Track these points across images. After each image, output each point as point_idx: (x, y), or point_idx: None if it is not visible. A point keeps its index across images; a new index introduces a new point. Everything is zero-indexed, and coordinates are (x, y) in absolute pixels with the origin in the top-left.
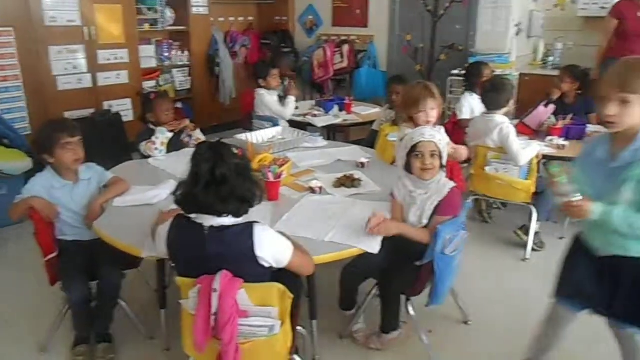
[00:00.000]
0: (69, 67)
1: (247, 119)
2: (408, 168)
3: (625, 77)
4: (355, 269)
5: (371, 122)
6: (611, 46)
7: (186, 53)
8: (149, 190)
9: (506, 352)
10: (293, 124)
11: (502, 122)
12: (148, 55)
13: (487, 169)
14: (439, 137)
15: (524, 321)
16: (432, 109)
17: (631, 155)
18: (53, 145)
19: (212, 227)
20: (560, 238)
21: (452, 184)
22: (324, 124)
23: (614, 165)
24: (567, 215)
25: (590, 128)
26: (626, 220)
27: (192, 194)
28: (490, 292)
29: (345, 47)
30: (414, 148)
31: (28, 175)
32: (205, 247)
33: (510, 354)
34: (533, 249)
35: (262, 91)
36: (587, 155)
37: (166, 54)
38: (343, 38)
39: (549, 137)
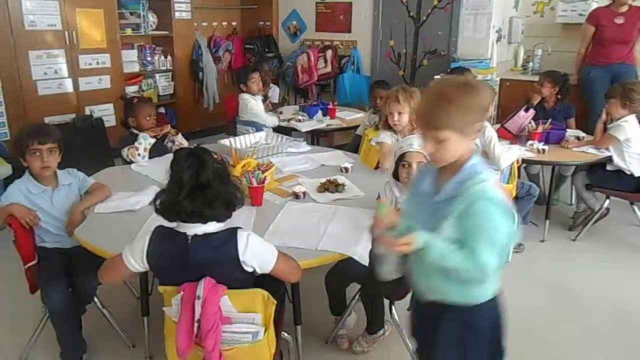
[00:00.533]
0: (49, 72)
1: (231, 124)
2: (396, 175)
3: (430, 113)
4: (339, 274)
5: (355, 127)
6: (589, 52)
7: (169, 58)
8: (132, 196)
9: None
10: (277, 129)
11: (484, 126)
12: (130, 60)
13: None
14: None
15: (506, 323)
16: (398, 113)
17: (454, 188)
18: (24, 151)
19: (195, 235)
20: (541, 241)
21: None
22: (308, 129)
23: (438, 199)
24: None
25: (569, 132)
26: (442, 252)
27: (176, 202)
28: None
29: (329, 52)
30: (402, 157)
31: (7, 181)
32: (189, 257)
33: None
34: (513, 251)
35: (246, 96)
36: (416, 187)
37: (149, 59)
38: (327, 43)
39: (530, 142)
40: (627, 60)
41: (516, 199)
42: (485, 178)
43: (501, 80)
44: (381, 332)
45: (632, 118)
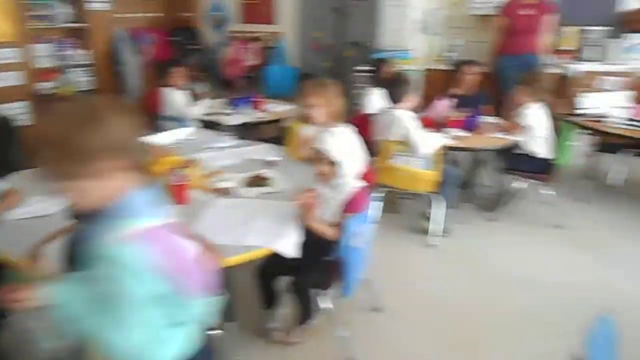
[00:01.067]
0: None
1: (152, 120)
2: None
3: (42, 162)
4: (267, 268)
5: (283, 119)
6: (502, 43)
7: (87, 51)
8: (45, 200)
9: (417, 335)
10: (203, 123)
11: (404, 115)
12: (44, 55)
13: (391, 161)
14: (332, 142)
15: (434, 304)
16: (309, 106)
17: (95, 236)
18: None
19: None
20: (463, 223)
21: (358, 183)
22: (235, 123)
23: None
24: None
25: (485, 119)
26: (74, 314)
27: None
28: (401, 279)
29: (256, 44)
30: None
31: None
32: None
33: (421, 337)
34: (439, 234)
35: (168, 90)
36: None
37: (64, 53)
38: (253, 35)
39: (449, 129)
40: (535, 50)
41: (441, 185)
42: (125, 226)
43: (423, 70)
44: (312, 322)
45: (535, 105)
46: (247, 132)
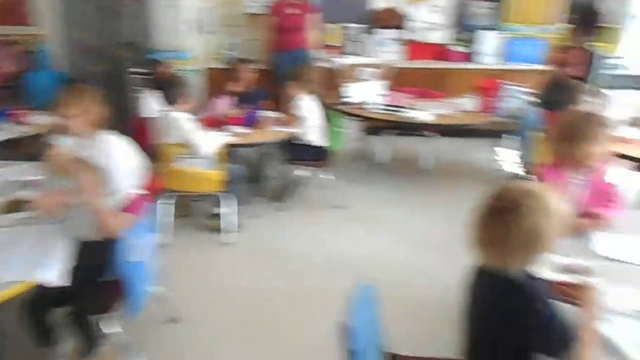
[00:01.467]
0: None
1: None
2: None
3: None
4: (37, 301)
5: (48, 132)
6: (274, 40)
7: None
8: None
9: (218, 338)
10: None
11: (180, 117)
12: None
13: (175, 164)
14: (94, 150)
15: (234, 301)
16: (66, 116)
17: None
18: None
19: None
20: (256, 217)
21: (132, 191)
22: None
23: None
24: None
25: (264, 114)
26: None
27: None
28: (200, 281)
29: (13, 48)
30: None
31: None
32: None
33: (222, 339)
34: (234, 231)
35: None
36: None
37: None
38: (8, 38)
39: (230, 127)
40: (304, 46)
41: (229, 182)
42: None
43: (201, 69)
44: (98, 350)
45: (306, 97)
46: (7, 150)
